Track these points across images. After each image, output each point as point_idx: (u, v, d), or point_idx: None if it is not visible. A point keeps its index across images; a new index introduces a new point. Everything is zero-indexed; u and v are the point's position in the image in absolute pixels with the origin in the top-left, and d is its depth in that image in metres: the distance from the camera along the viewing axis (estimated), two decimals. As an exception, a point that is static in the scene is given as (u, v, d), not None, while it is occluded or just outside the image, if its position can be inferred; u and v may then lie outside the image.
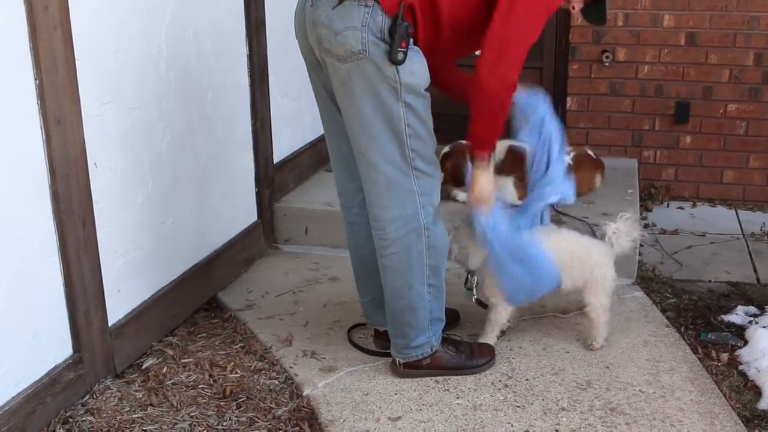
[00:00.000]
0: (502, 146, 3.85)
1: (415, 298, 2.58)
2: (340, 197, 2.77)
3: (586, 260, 2.81)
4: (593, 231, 3.41)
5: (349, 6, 2.30)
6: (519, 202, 3.71)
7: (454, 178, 3.81)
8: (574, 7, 2.60)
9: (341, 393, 2.62)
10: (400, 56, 2.29)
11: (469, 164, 2.59)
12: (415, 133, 2.42)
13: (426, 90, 2.42)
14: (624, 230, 2.85)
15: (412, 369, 2.68)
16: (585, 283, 2.82)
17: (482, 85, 2.38)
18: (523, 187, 3.77)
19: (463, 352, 2.72)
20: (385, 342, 2.79)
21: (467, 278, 2.87)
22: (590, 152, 4.03)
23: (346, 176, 2.68)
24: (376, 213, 2.52)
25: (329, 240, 3.79)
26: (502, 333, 2.90)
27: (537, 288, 2.76)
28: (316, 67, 2.52)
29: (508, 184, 3.79)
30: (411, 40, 2.33)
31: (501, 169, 3.81)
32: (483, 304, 2.88)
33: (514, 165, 3.78)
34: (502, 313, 2.81)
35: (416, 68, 2.36)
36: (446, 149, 3.87)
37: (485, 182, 2.55)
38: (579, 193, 3.82)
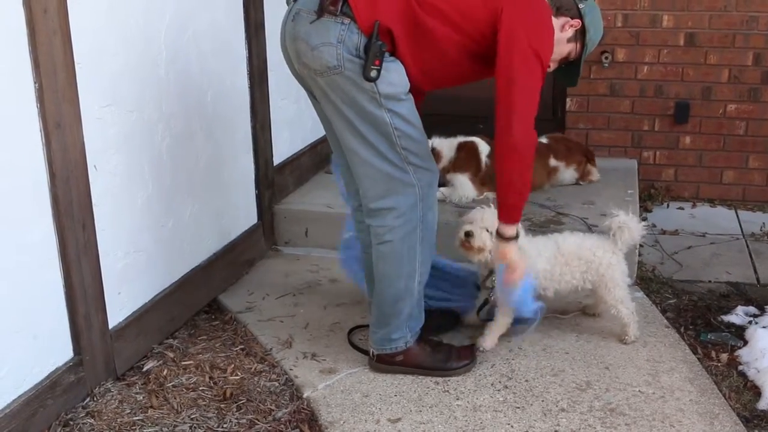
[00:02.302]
0: (451, 143, 3.91)
1: (402, 291, 2.61)
2: (350, 200, 2.80)
3: (591, 261, 2.82)
4: (591, 231, 3.41)
5: (326, 22, 2.35)
6: (478, 196, 3.75)
7: None
8: (549, 66, 2.60)
9: (341, 395, 2.62)
10: (374, 74, 2.35)
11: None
12: (404, 134, 2.46)
13: (407, 94, 2.45)
14: (630, 225, 2.86)
15: (383, 363, 2.71)
16: (593, 283, 2.84)
17: (505, 151, 2.40)
18: (478, 181, 3.84)
19: (440, 352, 2.74)
20: None
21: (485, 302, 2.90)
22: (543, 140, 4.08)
23: (353, 183, 2.72)
24: (374, 204, 2.55)
25: (329, 242, 3.78)
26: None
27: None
28: (299, 79, 2.57)
29: (465, 180, 3.82)
30: (387, 55, 2.37)
31: (455, 166, 3.87)
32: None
33: (467, 160, 3.84)
34: (508, 315, 2.82)
35: (393, 78, 2.40)
36: None
37: (517, 255, 2.57)
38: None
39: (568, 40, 2.58)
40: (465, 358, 2.75)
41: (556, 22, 2.53)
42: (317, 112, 2.67)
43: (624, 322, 2.88)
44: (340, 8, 2.34)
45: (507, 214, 2.52)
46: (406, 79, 2.44)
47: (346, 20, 2.34)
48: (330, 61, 2.36)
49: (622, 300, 2.86)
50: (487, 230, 2.71)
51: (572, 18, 2.57)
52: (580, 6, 2.58)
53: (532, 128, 2.40)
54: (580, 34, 2.59)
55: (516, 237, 2.55)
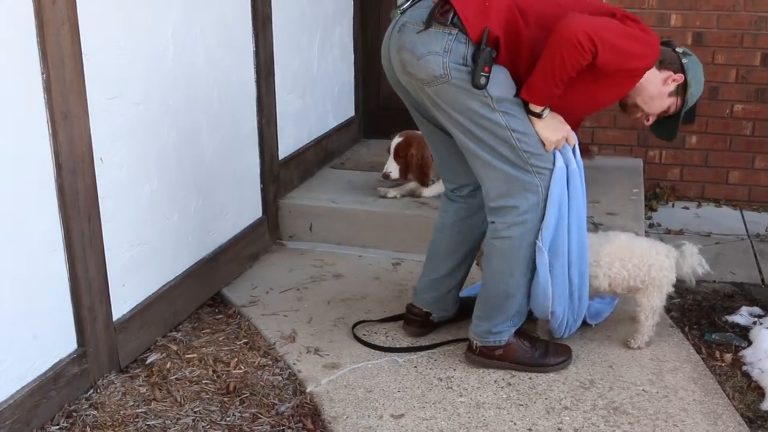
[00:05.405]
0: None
1: (515, 287, 2.61)
2: (445, 185, 2.85)
3: (645, 260, 2.77)
4: (597, 229, 3.40)
5: (434, 32, 2.37)
6: None
7: (419, 167, 3.77)
8: (648, 119, 2.64)
9: (344, 390, 2.62)
10: (483, 81, 2.35)
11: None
12: (524, 135, 2.45)
13: (516, 95, 2.43)
14: (698, 258, 2.82)
15: (484, 357, 2.70)
16: (642, 283, 2.78)
17: (555, 29, 2.30)
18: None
19: (537, 349, 2.72)
20: (420, 319, 2.91)
21: None
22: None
23: (447, 172, 2.79)
24: (495, 203, 2.54)
25: (334, 237, 3.79)
26: None
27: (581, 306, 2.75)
28: (401, 88, 2.60)
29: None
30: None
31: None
32: None
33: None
34: None
35: (501, 79, 2.40)
36: (399, 140, 3.80)
37: (549, 127, 2.47)
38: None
39: (670, 95, 2.61)
40: (562, 354, 2.74)
41: (659, 75, 2.57)
42: (414, 119, 2.72)
43: (644, 330, 2.82)
44: (450, 19, 2.35)
45: (525, 91, 2.43)
46: (512, 81, 2.42)
47: (454, 30, 2.35)
48: (436, 70, 2.36)
49: (657, 312, 2.80)
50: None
51: (675, 72, 2.59)
52: (684, 61, 2.60)
53: (591, 33, 2.27)
54: (682, 89, 2.61)
55: (539, 115, 2.43)
